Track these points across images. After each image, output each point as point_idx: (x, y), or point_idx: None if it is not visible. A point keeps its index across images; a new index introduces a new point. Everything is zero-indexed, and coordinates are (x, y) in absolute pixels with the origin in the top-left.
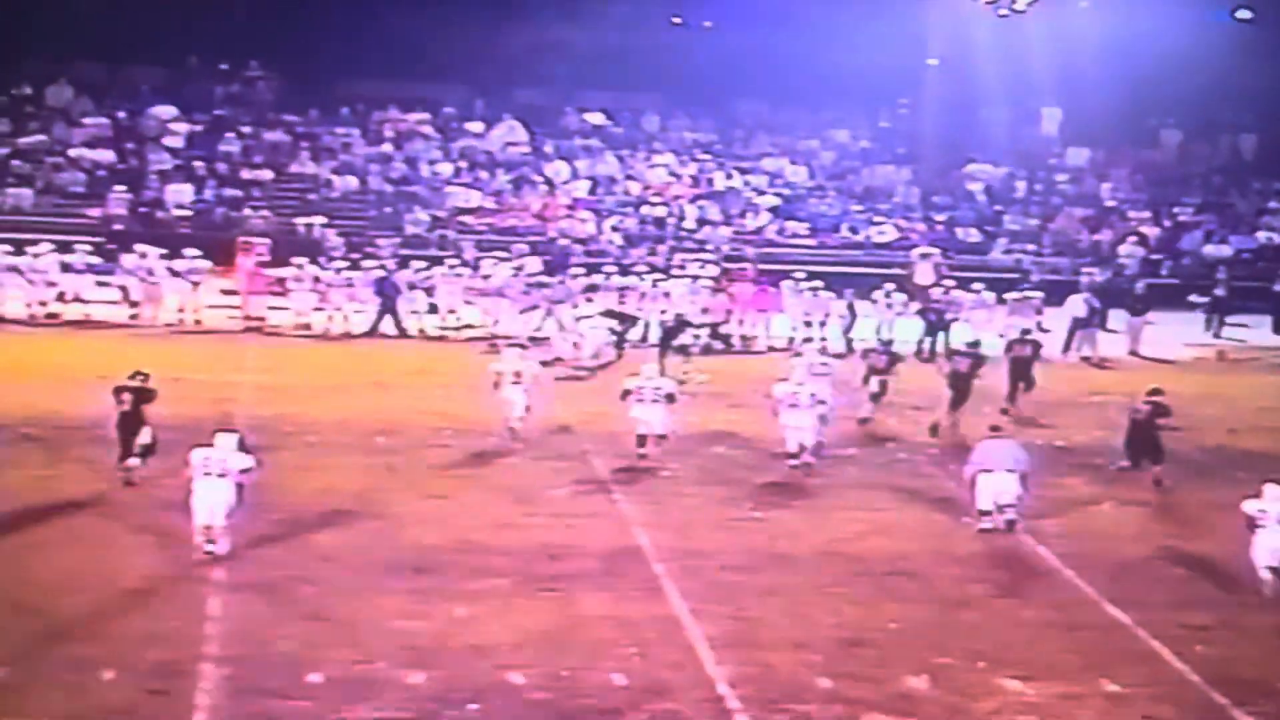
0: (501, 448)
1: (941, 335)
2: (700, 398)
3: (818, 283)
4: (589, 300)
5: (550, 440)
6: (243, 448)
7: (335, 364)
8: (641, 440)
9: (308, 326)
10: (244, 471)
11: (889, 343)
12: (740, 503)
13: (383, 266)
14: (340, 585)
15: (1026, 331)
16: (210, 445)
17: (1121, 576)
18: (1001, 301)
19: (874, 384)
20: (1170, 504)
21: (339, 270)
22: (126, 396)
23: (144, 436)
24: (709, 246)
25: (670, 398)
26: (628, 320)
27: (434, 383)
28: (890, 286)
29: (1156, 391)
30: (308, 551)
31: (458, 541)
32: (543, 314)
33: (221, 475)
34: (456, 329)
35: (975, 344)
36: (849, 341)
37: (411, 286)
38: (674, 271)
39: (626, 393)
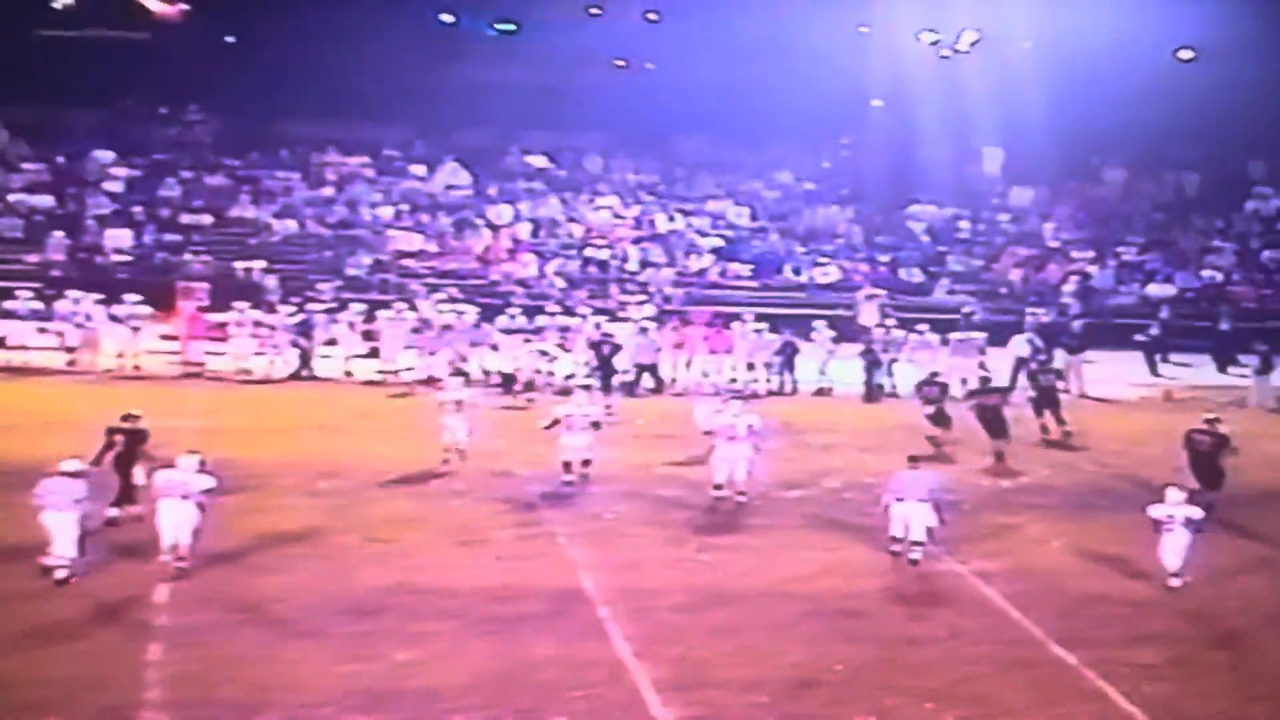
0: (445, 490)
1: (882, 375)
2: (644, 439)
3: (762, 324)
4: (527, 341)
5: (494, 483)
6: (203, 469)
7: (277, 408)
8: (567, 467)
9: (248, 371)
10: (205, 492)
11: (935, 374)
12: (686, 543)
13: (300, 308)
14: (285, 628)
15: (987, 380)
16: (172, 467)
17: (1069, 615)
18: (945, 342)
19: (931, 410)
20: (1120, 540)
21: (287, 314)
22: (119, 438)
23: (138, 477)
24: (651, 289)
25: (596, 425)
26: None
27: (378, 426)
28: (822, 324)
29: (1214, 421)
30: (252, 594)
31: (403, 584)
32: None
33: (184, 497)
34: (394, 372)
35: (935, 375)
36: (792, 381)
37: (351, 329)
38: (620, 314)
39: (554, 422)
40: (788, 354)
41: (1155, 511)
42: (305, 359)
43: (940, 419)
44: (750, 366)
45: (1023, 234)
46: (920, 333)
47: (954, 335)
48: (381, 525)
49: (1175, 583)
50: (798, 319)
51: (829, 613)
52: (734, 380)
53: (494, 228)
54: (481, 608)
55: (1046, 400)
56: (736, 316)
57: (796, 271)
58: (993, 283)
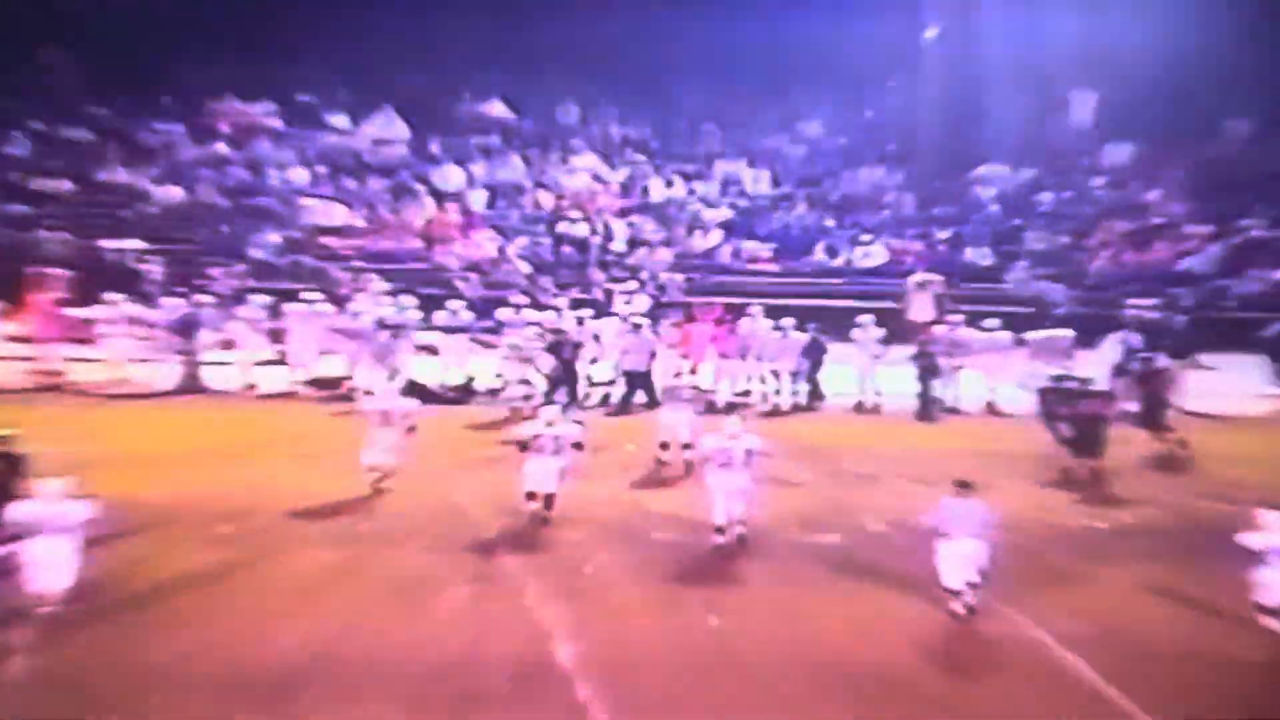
0: (381, 532)
1: (940, 385)
2: (634, 469)
3: (789, 320)
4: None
5: (443, 522)
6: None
7: (163, 430)
8: (533, 499)
9: (124, 382)
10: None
11: (1061, 377)
12: (687, 601)
13: (197, 302)
14: (173, 713)
15: (1085, 380)
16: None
17: (1169, 687)
18: (1020, 342)
19: (1063, 428)
20: (1234, 590)
21: (173, 308)
22: None
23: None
24: (643, 275)
25: (578, 446)
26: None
27: (291, 453)
28: (867, 320)
29: None
30: (132, 669)
31: (326, 654)
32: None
33: (57, 533)
34: (311, 382)
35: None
36: (817, 390)
37: (253, 327)
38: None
39: (524, 444)
40: (815, 357)
41: (1253, 541)
42: (192, 365)
43: (1089, 441)
44: (774, 374)
45: (1120, 203)
46: (989, 330)
47: (1033, 334)
48: (299, 579)
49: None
50: (831, 313)
51: (865, 685)
52: (746, 393)
53: (439, 196)
54: (427, 685)
55: (1154, 406)
56: (743, 311)
57: (831, 252)
58: (1082, 266)
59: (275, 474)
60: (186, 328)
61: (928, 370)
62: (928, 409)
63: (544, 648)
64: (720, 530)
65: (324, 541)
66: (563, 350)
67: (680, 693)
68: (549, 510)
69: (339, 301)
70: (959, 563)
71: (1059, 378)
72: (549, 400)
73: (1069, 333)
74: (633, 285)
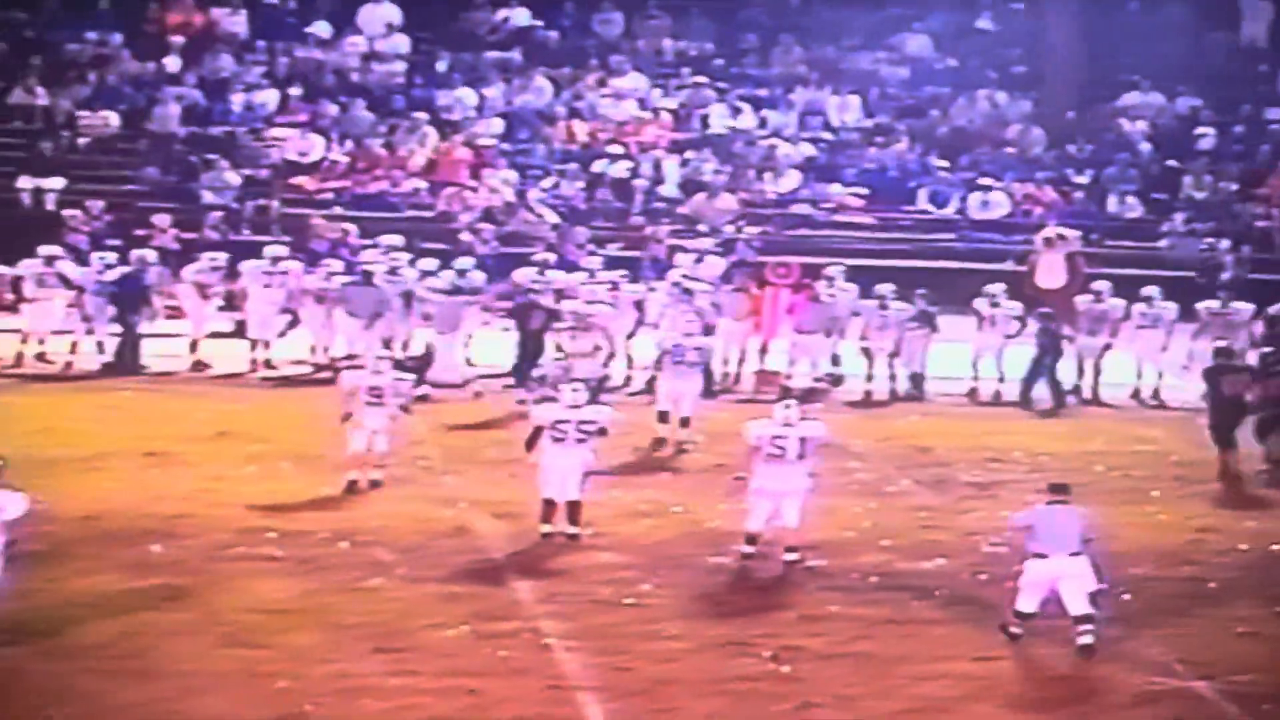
0: (354, 558)
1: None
2: (689, 474)
3: (888, 287)
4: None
5: (436, 547)
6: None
7: (82, 421)
8: (548, 510)
9: (41, 358)
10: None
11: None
12: (750, 647)
13: (140, 257)
14: None
15: (1226, 354)
16: None
17: None
18: (1188, 315)
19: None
20: None
21: (103, 269)
22: None
23: None
24: (701, 226)
25: (602, 432)
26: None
27: (242, 452)
28: (997, 291)
29: None
30: None
31: (285, 717)
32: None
33: None
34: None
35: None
36: (920, 380)
37: (202, 291)
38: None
39: (535, 434)
40: (920, 333)
41: None
42: (130, 339)
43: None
44: (865, 354)
45: None
46: (1148, 301)
47: (1204, 306)
48: (250, 618)
49: None
50: (940, 276)
51: None
52: (827, 377)
53: (444, 126)
54: None
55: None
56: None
57: (938, 200)
58: (1253, 219)
59: (221, 479)
60: (128, 292)
61: (1046, 349)
62: (1059, 397)
63: (568, 709)
64: (752, 540)
65: (280, 569)
66: (530, 318)
67: None
68: (575, 525)
69: (314, 258)
70: (1056, 586)
71: (1221, 352)
72: (522, 378)
73: (1247, 305)
74: (706, 242)
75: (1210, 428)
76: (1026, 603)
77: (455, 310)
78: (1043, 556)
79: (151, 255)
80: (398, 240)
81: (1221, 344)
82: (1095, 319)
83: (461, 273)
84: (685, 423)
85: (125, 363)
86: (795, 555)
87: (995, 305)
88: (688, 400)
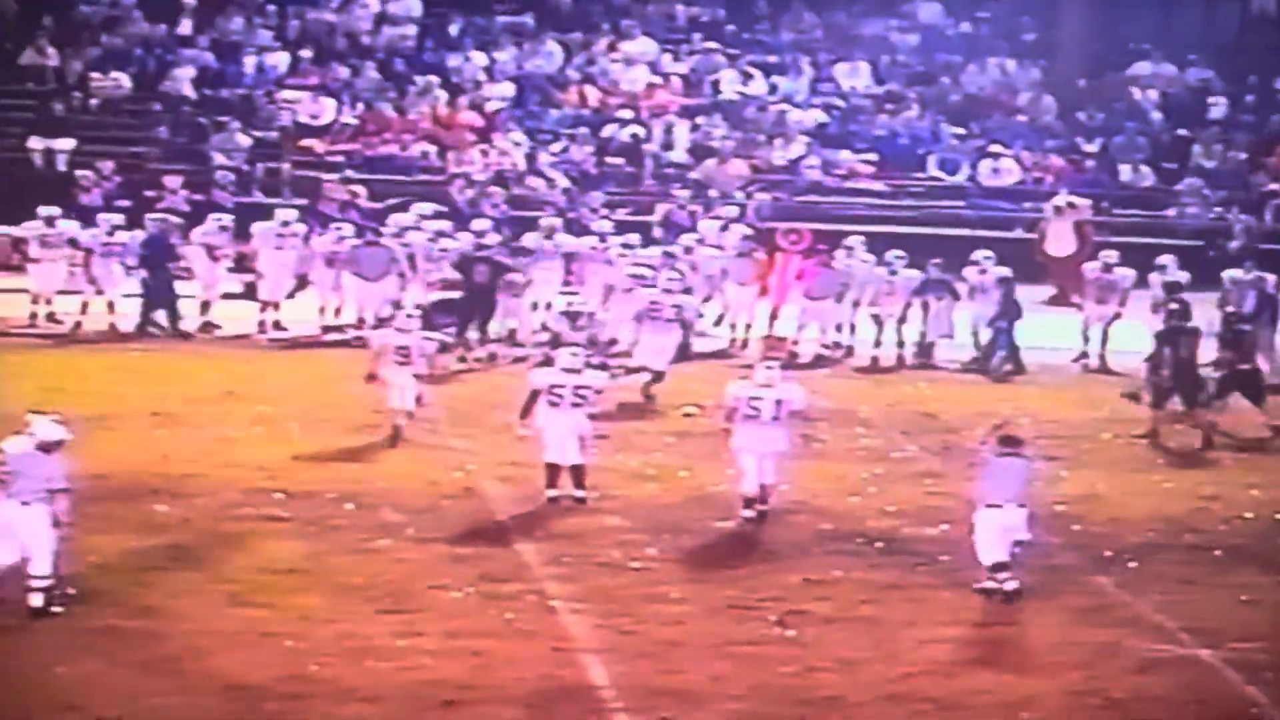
0: (361, 521)
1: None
2: (692, 438)
3: (897, 253)
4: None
5: (443, 509)
6: (44, 447)
7: (91, 381)
8: (553, 475)
9: (51, 318)
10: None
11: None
12: (756, 611)
13: (162, 218)
14: None
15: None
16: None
17: None
18: (1200, 284)
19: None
20: None
21: (110, 230)
22: None
23: None
24: (711, 192)
25: (599, 392)
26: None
27: (249, 413)
28: (986, 257)
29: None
30: (45, 696)
31: (291, 677)
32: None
33: (26, 503)
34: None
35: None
36: (928, 346)
37: (210, 253)
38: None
39: (532, 398)
40: (943, 301)
41: None
42: (162, 301)
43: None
44: (875, 321)
45: None
46: (1162, 269)
47: (1229, 274)
48: (256, 579)
49: None
50: (950, 243)
51: None
52: (835, 344)
53: (455, 90)
54: (418, 718)
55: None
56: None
57: (949, 168)
58: (1263, 188)
59: (229, 440)
60: (155, 254)
61: (1006, 312)
62: (1016, 360)
63: (574, 673)
64: (750, 503)
65: (287, 530)
66: (474, 271)
67: None
68: (580, 488)
69: (324, 220)
70: (1002, 534)
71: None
72: (460, 334)
73: (1270, 275)
74: (732, 210)
75: (1171, 390)
76: (991, 554)
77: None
78: (996, 506)
79: (175, 218)
80: (427, 209)
81: (1174, 307)
82: (1104, 288)
83: (479, 234)
84: (658, 377)
85: (159, 325)
86: (765, 507)
87: (984, 273)
88: (663, 357)
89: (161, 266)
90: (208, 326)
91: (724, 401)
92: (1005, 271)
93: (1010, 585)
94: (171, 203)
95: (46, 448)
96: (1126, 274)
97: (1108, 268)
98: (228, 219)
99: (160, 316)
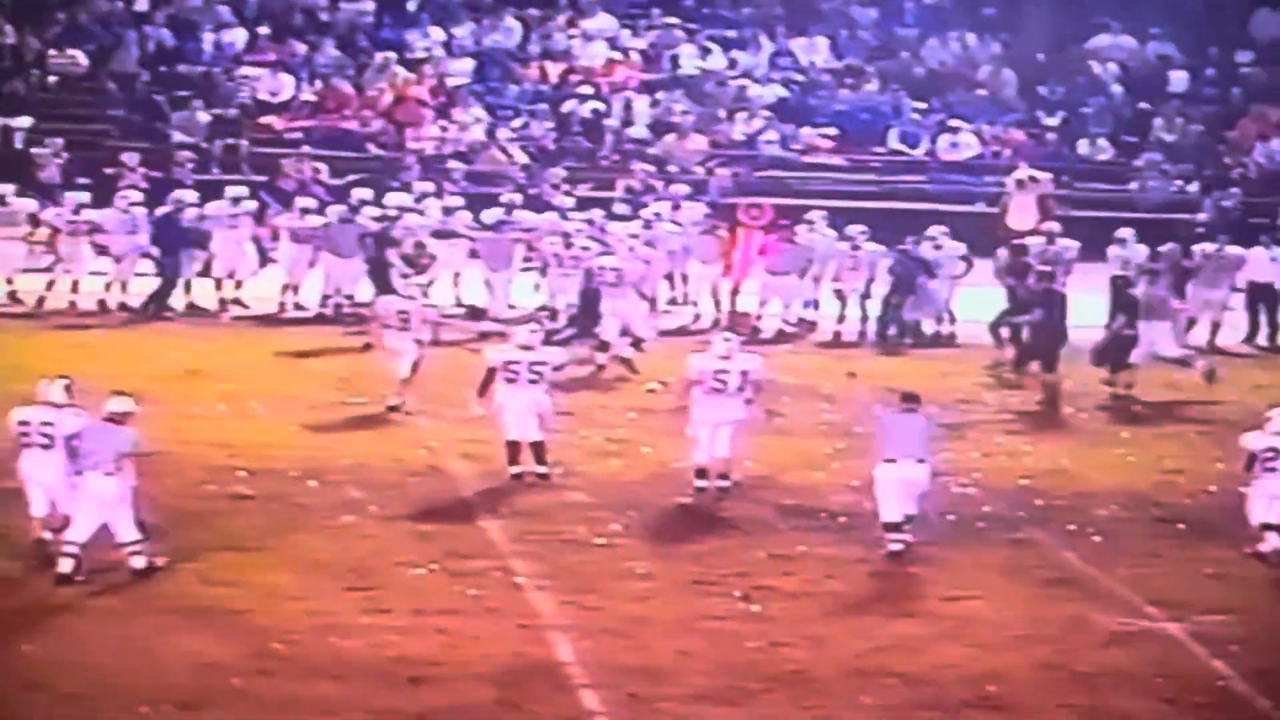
0: (326, 498)
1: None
2: (658, 414)
3: (860, 228)
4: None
5: (407, 486)
6: (113, 419)
7: (52, 360)
8: (514, 452)
9: (13, 296)
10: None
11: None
12: (721, 587)
13: (176, 199)
14: None
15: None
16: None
17: None
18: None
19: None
20: None
21: (76, 209)
22: None
23: None
24: (670, 167)
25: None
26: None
27: (212, 391)
28: (940, 232)
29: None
30: (11, 674)
31: (255, 655)
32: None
33: (47, 446)
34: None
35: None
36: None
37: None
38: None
39: (490, 375)
40: (908, 282)
41: (1257, 442)
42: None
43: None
44: (838, 296)
45: (1278, 83)
46: (1122, 242)
47: (1199, 248)
48: (220, 557)
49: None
50: (910, 217)
51: (955, 705)
52: (801, 322)
53: (413, 65)
54: (386, 694)
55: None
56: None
57: (909, 141)
58: (1223, 162)
59: (192, 418)
60: (168, 236)
61: (900, 283)
62: (907, 329)
63: (539, 649)
64: (703, 473)
65: (252, 508)
66: (366, 243)
67: (712, 704)
68: (543, 464)
69: (283, 198)
70: (902, 491)
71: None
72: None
73: (1239, 250)
74: (684, 188)
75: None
76: (890, 512)
77: (506, 247)
78: (891, 461)
79: (190, 195)
80: (429, 186)
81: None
82: (1048, 261)
83: (509, 209)
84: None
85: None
86: (727, 482)
87: (939, 248)
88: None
89: (176, 249)
90: (235, 304)
91: (685, 375)
92: (903, 245)
93: (895, 546)
94: (131, 180)
95: (116, 419)
96: (1069, 246)
97: (1050, 240)
98: (187, 196)
99: (173, 297)
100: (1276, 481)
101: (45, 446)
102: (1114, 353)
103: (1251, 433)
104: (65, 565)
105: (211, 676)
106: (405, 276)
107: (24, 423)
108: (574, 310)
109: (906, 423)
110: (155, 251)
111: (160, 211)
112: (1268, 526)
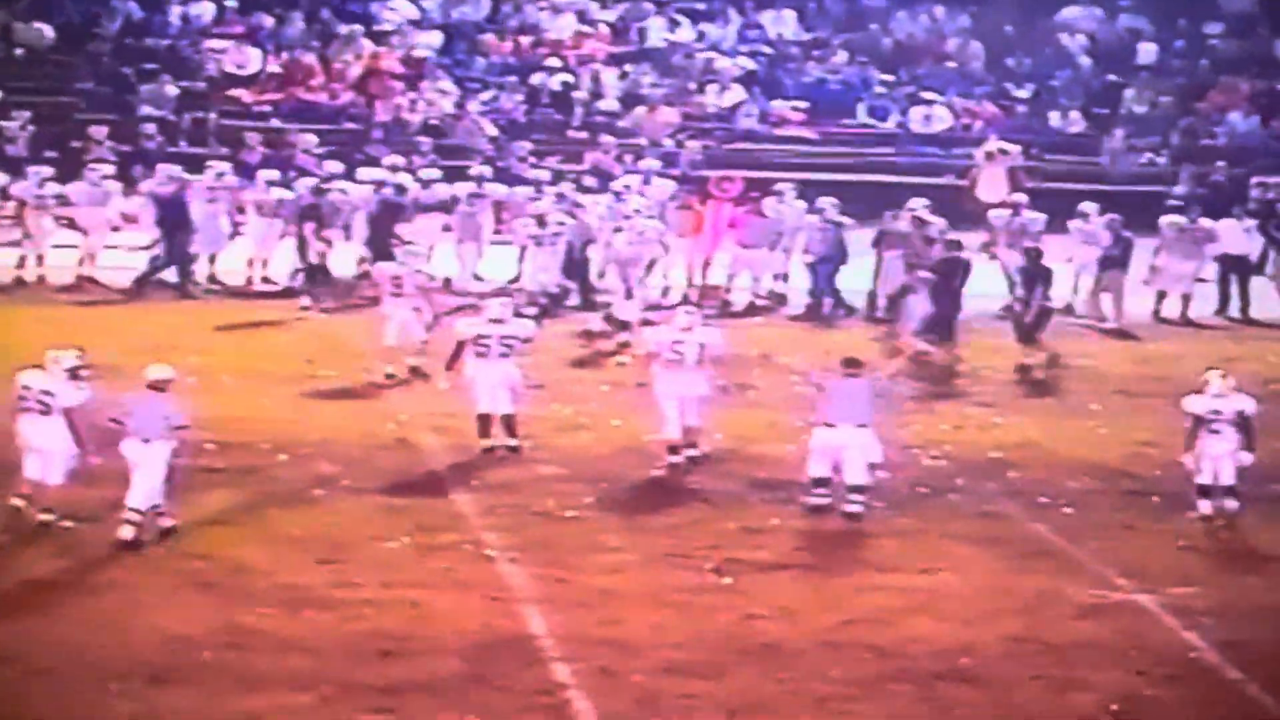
0: (296, 473)
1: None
2: (628, 389)
3: (830, 200)
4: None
5: (378, 459)
6: (155, 386)
7: (19, 334)
8: (485, 425)
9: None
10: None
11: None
12: (696, 559)
13: (177, 177)
14: (39, 703)
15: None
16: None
17: None
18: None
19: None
20: None
21: (40, 182)
22: None
23: None
24: (640, 140)
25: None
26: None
27: (182, 364)
28: (918, 205)
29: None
30: None
31: (226, 629)
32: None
33: (45, 413)
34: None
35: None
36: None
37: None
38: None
39: (459, 348)
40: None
41: (1197, 405)
42: (178, 261)
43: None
44: (810, 269)
45: (1247, 55)
46: (1084, 216)
47: (1167, 220)
48: (190, 533)
49: (1231, 506)
50: (882, 190)
51: (926, 677)
52: (771, 294)
53: (380, 37)
54: (357, 669)
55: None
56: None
57: (878, 115)
58: (1194, 133)
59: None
60: (172, 214)
61: (830, 256)
62: (842, 303)
63: (511, 623)
64: (674, 449)
65: (222, 480)
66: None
67: (684, 678)
68: (513, 437)
69: (246, 171)
70: (840, 456)
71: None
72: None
73: (1209, 222)
74: (654, 164)
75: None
76: (816, 468)
77: (475, 220)
78: (830, 426)
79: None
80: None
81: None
82: (1014, 233)
83: (479, 181)
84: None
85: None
86: (695, 451)
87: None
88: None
89: (179, 227)
90: (210, 280)
91: (645, 347)
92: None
93: (817, 501)
94: (98, 154)
95: (158, 386)
96: (1036, 218)
97: (1016, 211)
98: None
99: (172, 273)
100: (1219, 443)
101: (43, 413)
102: (1038, 327)
103: (1191, 396)
104: (127, 532)
105: (182, 650)
106: (404, 244)
107: (25, 388)
108: (559, 287)
109: (849, 387)
110: (157, 232)
111: (164, 190)
112: (1204, 491)
